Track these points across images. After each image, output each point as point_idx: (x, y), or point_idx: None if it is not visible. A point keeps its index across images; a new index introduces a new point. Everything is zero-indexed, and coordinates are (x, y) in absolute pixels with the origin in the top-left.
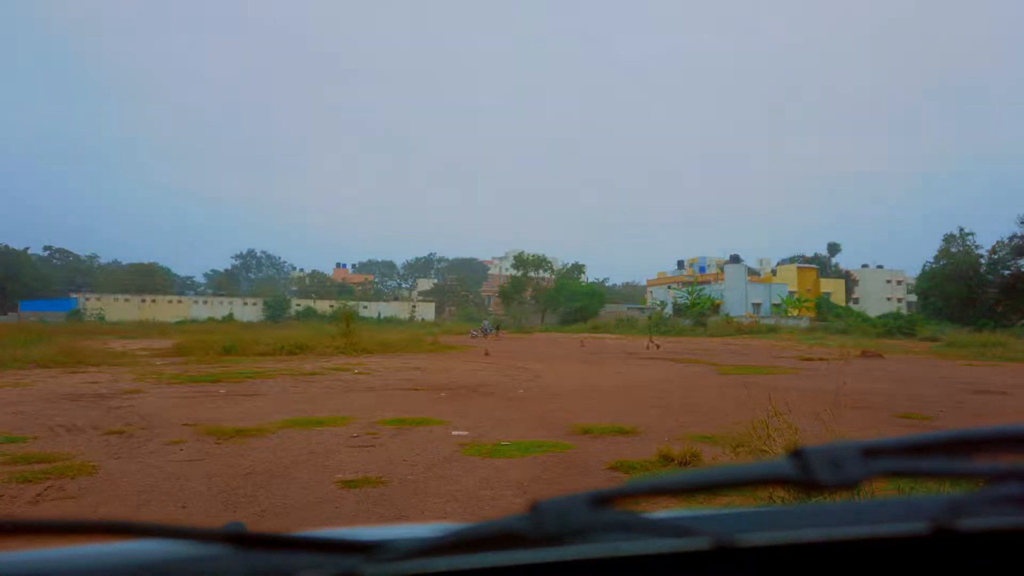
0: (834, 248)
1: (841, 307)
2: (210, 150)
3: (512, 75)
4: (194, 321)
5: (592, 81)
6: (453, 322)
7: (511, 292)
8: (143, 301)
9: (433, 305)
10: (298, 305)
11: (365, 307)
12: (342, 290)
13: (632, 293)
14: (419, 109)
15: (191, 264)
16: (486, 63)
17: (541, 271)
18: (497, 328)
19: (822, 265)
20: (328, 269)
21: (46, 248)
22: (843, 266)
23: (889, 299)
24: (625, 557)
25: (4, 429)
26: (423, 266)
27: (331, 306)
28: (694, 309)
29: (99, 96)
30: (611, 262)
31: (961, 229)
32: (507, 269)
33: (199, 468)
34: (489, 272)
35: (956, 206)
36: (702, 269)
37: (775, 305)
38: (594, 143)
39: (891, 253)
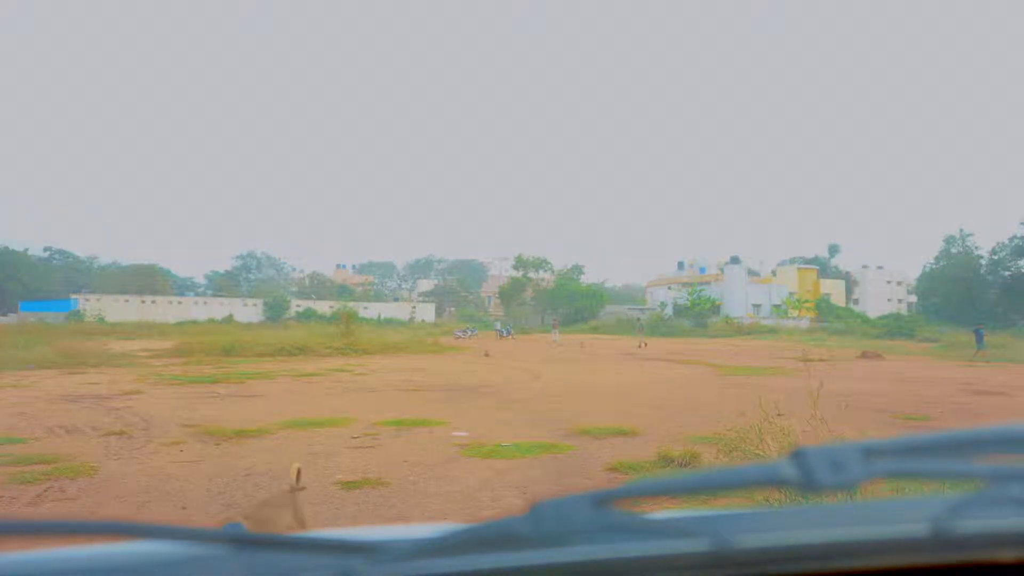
0: (834, 249)
1: (841, 308)
2: (209, 149)
3: (510, 72)
4: (194, 322)
5: (592, 79)
6: (453, 323)
7: (511, 293)
8: (143, 302)
9: (433, 306)
10: (298, 306)
11: (365, 308)
12: (342, 291)
13: (632, 294)
14: (417, 108)
15: (191, 265)
16: (483, 60)
17: (541, 272)
18: (500, 327)
19: (822, 266)
20: (328, 270)
21: (46, 249)
22: (843, 267)
23: (889, 300)
24: (625, 558)
25: (4, 430)
26: (423, 267)
27: (331, 307)
28: (694, 310)
29: (102, 92)
30: (610, 263)
31: (961, 230)
32: (507, 270)
33: (199, 469)
34: (489, 273)
35: (956, 206)
36: (702, 270)
37: (775, 306)
38: (593, 142)
39: (891, 254)
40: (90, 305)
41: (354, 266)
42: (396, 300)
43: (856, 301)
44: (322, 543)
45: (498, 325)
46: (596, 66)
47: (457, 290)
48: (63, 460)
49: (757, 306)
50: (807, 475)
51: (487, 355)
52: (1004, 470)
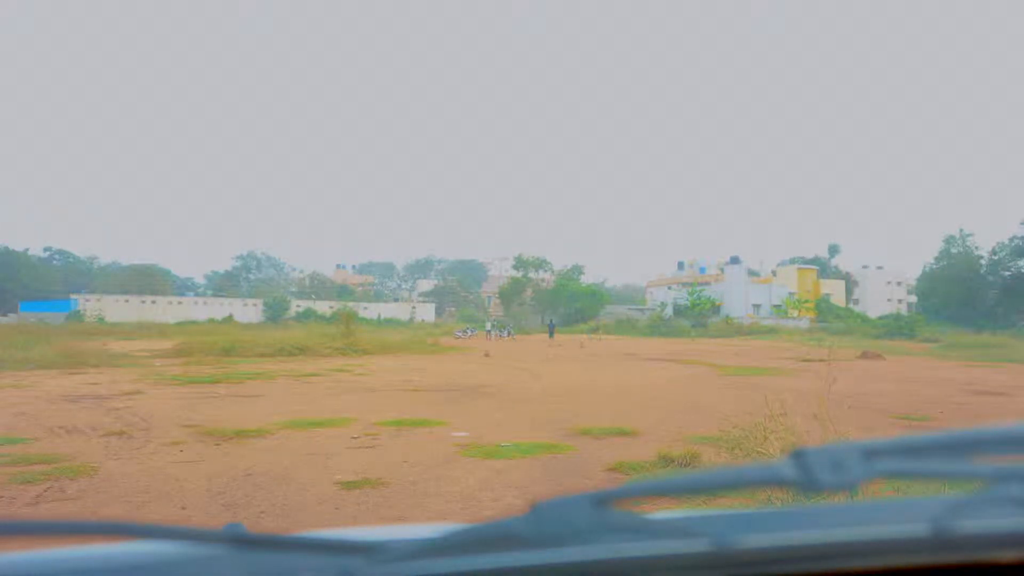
0: (834, 249)
1: (841, 308)
2: (208, 149)
3: (510, 72)
4: (194, 322)
5: (592, 79)
6: (453, 323)
7: (511, 293)
8: (143, 302)
9: (433, 306)
10: (298, 306)
11: (365, 308)
12: (342, 291)
13: (632, 294)
14: (417, 108)
15: (191, 265)
16: (482, 61)
17: (541, 272)
18: (504, 329)
19: (822, 266)
20: (328, 270)
21: (46, 249)
22: (843, 267)
23: (889, 300)
24: (625, 558)
25: (4, 430)
26: (423, 267)
27: (331, 307)
28: (694, 310)
29: (101, 92)
30: (610, 263)
31: (961, 230)
32: (507, 270)
33: (199, 469)
34: (489, 273)
35: (956, 206)
36: (702, 270)
37: (775, 306)
38: (593, 142)
39: (891, 254)
40: (90, 305)
41: (354, 266)
42: (396, 300)
43: (856, 301)
44: (322, 543)
45: (488, 326)
46: (596, 66)
47: (457, 290)
48: (63, 460)
49: (757, 306)
50: (807, 475)
51: (487, 355)
52: (1004, 470)
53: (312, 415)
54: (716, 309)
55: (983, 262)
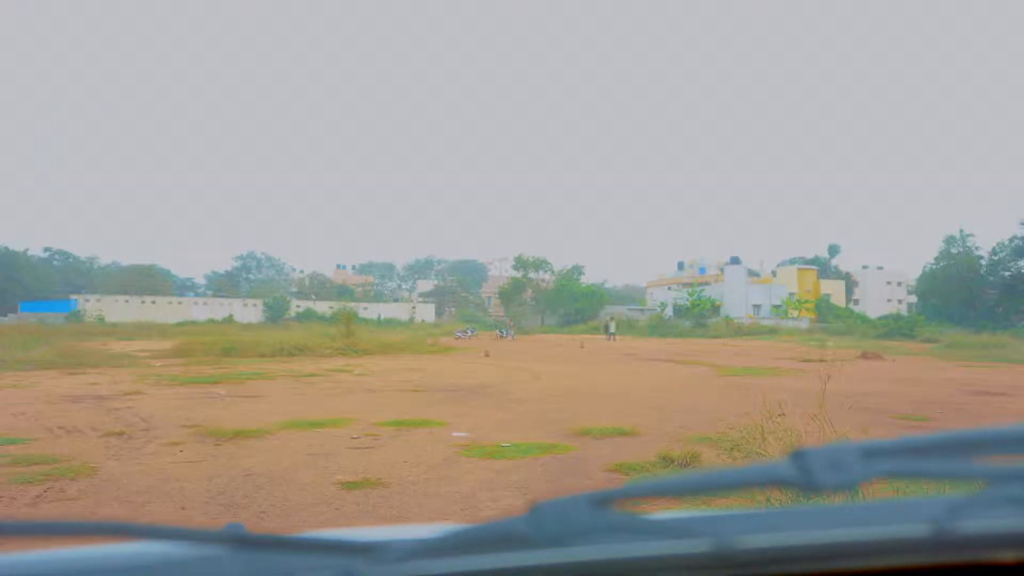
0: (834, 249)
1: (841, 308)
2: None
3: (512, 74)
4: (194, 322)
5: (593, 81)
6: (453, 323)
7: (511, 293)
8: (143, 302)
9: (433, 307)
10: (298, 307)
11: (365, 308)
12: (342, 291)
13: (632, 294)
14: (418, 110)
15: (191, 265)
16: (483, 62)
17: (541, 272)
18: (507, 329)
19: (822, 266)
20: (328, 270)
21: (46, 249)
22: (843, 267)
23: (889, 300)
24: (625, 558)
25: (4, 430)
26: (423, 267)
27: (331, 308)
28: (694, 310)
29: (100, 92)
30: (610, 263)
31: (961, 230)
32: (507, 270)
33: (199, 469)
34: (489, 273)
35: (956, 206)
36: (702, 270)
37: (775, 306)
38: (594, 143)
39: (891, 254)
40: (90, 306)
41: (354, 266)
42: (396, 300)
43: (856, 301)
44: (322, 543)
45: (505, 330)
46: (597, 67)
47: (457, 290)
48: (63, 460)
49: (757, 306)
50: (807, 475)
51: (487, 355)
52: (1004, 470)
53: (312, 415)
54: (716, 309)
55: (983, 262)
